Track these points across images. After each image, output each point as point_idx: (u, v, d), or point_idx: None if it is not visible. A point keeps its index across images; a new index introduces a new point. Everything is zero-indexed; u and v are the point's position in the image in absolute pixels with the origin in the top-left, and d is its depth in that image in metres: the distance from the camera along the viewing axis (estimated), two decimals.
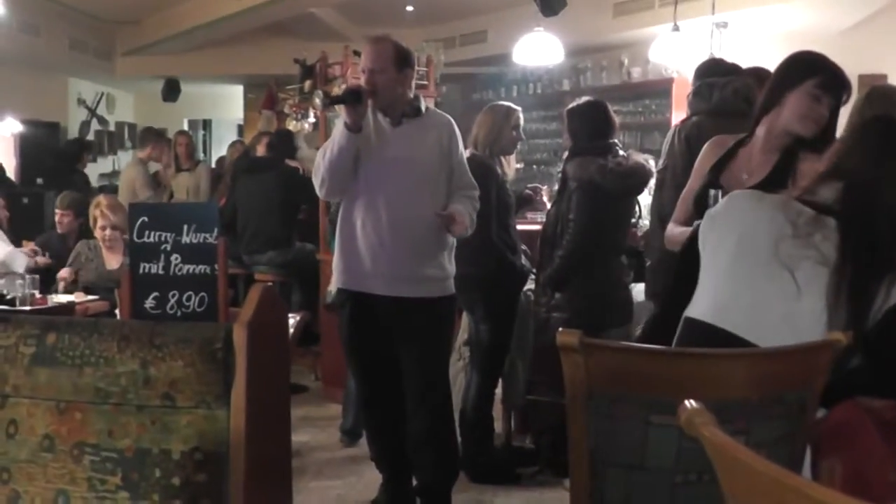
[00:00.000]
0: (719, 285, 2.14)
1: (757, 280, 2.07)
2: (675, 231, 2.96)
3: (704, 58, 4.41)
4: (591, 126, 4.28)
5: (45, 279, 5.15)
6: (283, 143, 6.77)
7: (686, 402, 1.21)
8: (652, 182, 4.41)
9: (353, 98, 3.40)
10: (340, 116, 5.63)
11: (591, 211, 4.15)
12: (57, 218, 6.09)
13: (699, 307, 2.17)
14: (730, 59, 4.28)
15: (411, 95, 3.65)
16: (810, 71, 2.70)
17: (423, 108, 3.66)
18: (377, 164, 3.53)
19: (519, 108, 4.52)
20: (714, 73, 3.98)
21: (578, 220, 4.17)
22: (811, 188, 2.16)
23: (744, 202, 2.20)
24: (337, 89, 5.65)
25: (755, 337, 2.02)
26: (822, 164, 2.24)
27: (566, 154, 4.54)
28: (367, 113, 3.47)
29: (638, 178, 4.20)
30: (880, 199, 2.07)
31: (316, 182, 3.60)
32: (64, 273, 5.33)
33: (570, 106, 4.42)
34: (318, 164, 3.56)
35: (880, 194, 2.07)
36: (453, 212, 3.52)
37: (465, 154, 3.91)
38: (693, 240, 2.29)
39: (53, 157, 10.23)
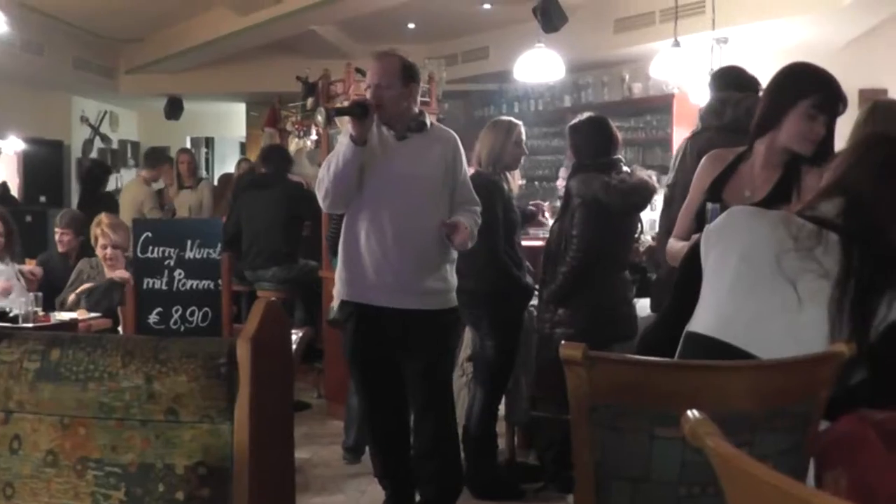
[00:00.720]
0: (722, 300, 2.14)
1: (759, 293, 2.07)
2: (676, 246, 2.95)
3: (724, 65, 4.41)
4: (593, 142, 4.29)
5: (48, 297, 5.15)
6: (279, 157, 6.77)
7: (688, 412, 1.21)
8: (656, 198, 4.42)
9: (359, 111, 3.42)
10: (342, 132, 5.65)
11: (594, 227, 4.16)
12: (57, 237, 6.08)
13: (701, 322, 2.17)
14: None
15: (416, 110, 3.67)
16: (806, 90, 2.69)
17: (427, 124, 3.68)
18: (381, 177, 3.55)
19: (521, 123, 4.53)
20: (733, 83, 3.98)
21: (582, 235, 4.17)
22: (812, 203, 2.16)
23: (744, 218, 2.20)
24: (340, 104, 5.67)
25: (757, 349, 2.02)
26: (824, 180, 2.24)
27: (565, 170, 4.54)
28: (372, 126, 3.49)
29: (641, 195, 4.20)
30: (882, 216, 2.07)
31: (319, 195, 3.62)
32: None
33: (572, 122, 4.43)
34: (322, 176, 3.58)
35: (882, 211, 2.08)
36: (457, 221, 3.53)
37: (470, 172, 3.92)
38: (693, 254, 2.29)
39: (78, 180, 10.21)
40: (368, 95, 3.58)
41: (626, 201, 4.14)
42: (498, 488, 4.39)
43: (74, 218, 6.19)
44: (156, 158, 8.49)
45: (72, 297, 5.26)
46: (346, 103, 4.98)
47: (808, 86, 2.70)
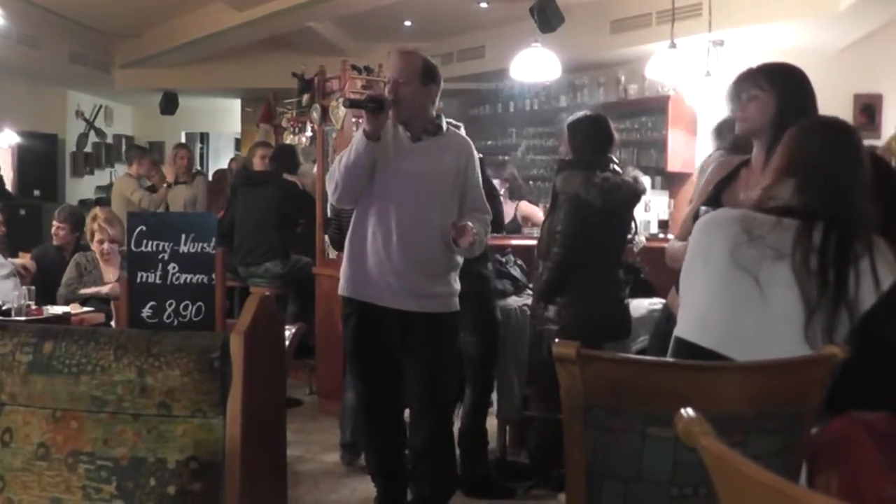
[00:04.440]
0: (698, 305, 2.21)
1: (723, 293, 2.13)
2: (675, 246, 2.98)
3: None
4: (590, 139, 4.28)
5: (43, 291, 5.14)
6: (286, 157, 6.77)
7: (682, 410, 1.21)
8: (645, 198, 4.43)
9: (373, 105, 3.39)
10: (337, 129, 5.64)
11: (577, 224, 4.14)
12: (53, 230, 6.07)
13: (684, 326, 2.23)
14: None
15: (434, 113, 3.65)
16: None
17: (444, 127, 3.66)
18: (392, 176, 3.53)
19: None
20: None
21: (564, 232, 4.17)
22: (767, 193, 2.19)
23: (705, 222, 2.27)
24: (334, 103, 5.66)
25: (733, 351, 2.07)
26: (770, 170, 2.28)
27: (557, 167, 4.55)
28: (387, 122, 3.48)
29: (622, 194, 4.17)
30: (837, 187, 2.12)
31: (329, 187, 3.60)
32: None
33: (571, 119, 4.42)
34: (334, 169, 3.57)
35: (836, 183, 2.13)
36: (466, 224, 3.49)
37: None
38: None
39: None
40: (387, 90, 3.56)
41: (607, 199, 4.12)
42: (488, 486, 4.39)
43: (72, 213, 6.18)
44: (134, 154, 8.53)
45: (72, 289, 5.26)
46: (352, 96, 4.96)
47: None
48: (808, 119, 2.43)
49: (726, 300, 2.10)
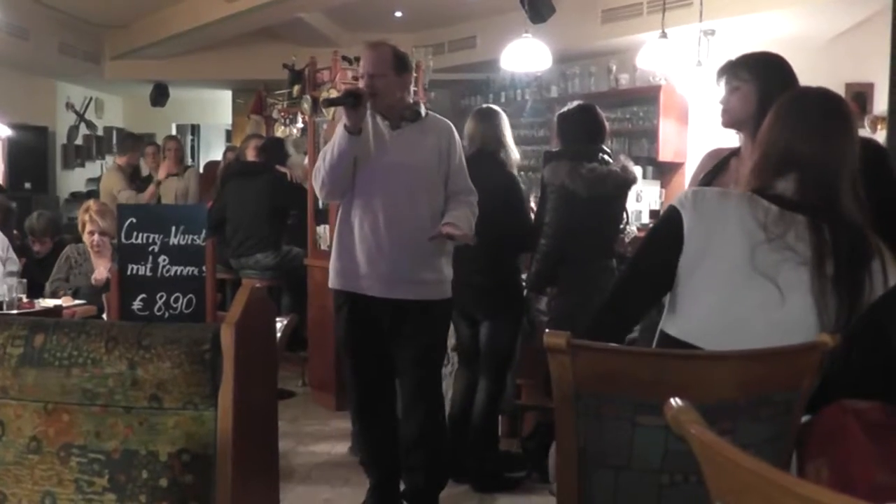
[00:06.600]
0: (700, 304, 2.11)
1: (737, 295, 2.05)
2: None
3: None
4: (582, 130, 4.29)
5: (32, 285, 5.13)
6: (275, 148, 6.77)
7: (671, 399, 1.21)
8: (636, 188, 4.42)
9: (350, 100, 3.41)
10: (328, 120, 5.63)
11: (564, 214, 4.15)
12: (35, 248, 6.01)
13: (679, 325, 2.14)
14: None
15: (410, 100, 3.66)
16: None
17: (422, 113, 3.67)
18: (376, 167, 3.54)
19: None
20: None
21: (551, 222, 4.18)
22: (767, 181, 2.14)
23: (713, 212, 2.12)
24: (326, 93, 5.65)
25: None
26: (762, 152, 2.18)
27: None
28: (366, 115, 3.48)
29: (610, 184, 4.17)
30: (841, 182, 2.06)
31: (316, 185, 3.61)
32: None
33: (561, 111, 4.42)
34: (319, 167, 3.57)
35: (839, 176, 2.06)
36: (449, 226, 3.48)
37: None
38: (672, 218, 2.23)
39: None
40: (361, 84, 3.57)
41: (593, 189, 4.12)
42: (496, 481, 4.36)
43: (48, 224, 6.11)
44: (127, 144, 8.50)
45: (61, 294, 5.24)
46: (333, 93, 4.96)
47: None
48: (798, 95, 2.33)
49: (741, 304, 2.04)
